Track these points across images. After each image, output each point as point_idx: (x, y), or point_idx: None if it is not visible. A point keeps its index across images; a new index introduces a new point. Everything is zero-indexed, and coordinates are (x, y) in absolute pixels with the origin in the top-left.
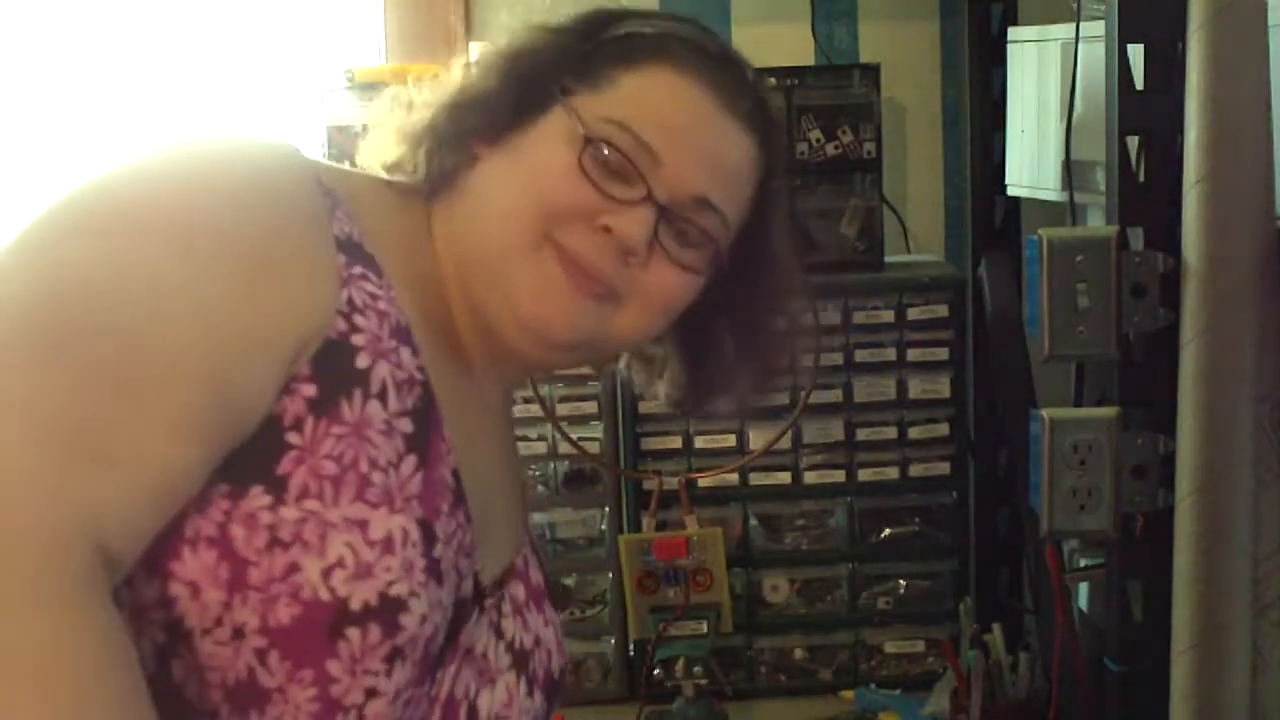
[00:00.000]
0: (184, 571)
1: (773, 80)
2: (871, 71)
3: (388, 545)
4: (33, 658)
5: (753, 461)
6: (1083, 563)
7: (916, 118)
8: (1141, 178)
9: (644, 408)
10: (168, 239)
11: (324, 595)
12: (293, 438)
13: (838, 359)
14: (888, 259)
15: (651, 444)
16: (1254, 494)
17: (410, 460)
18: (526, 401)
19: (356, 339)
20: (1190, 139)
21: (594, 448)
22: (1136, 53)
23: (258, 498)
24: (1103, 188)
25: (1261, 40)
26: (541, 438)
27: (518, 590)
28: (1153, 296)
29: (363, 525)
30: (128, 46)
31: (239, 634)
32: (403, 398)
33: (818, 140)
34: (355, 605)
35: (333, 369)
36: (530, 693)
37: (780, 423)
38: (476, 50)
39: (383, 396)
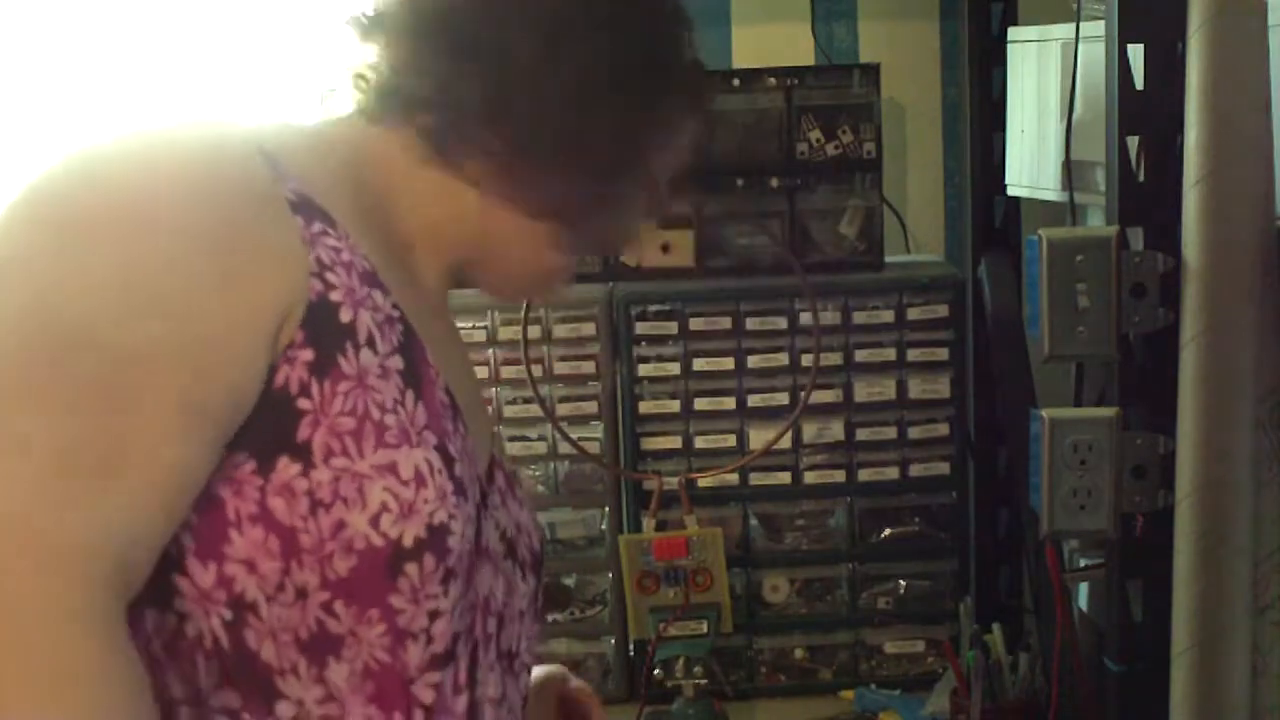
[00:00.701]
0: (236, 552)
1: (773, 80)
2: (871, 71)
3: (420, 480)
4: (55, 678)
5: (753, 461)
6: (1083, 563)
7: (916, 118)
8: (1141, 178)
9: (644, 408)
10: (125, 240)
11: (377, 541)
12: (303, 403)
13: (838, 359)
14: (888, 259)
15: (651, 444)
16: (1254, 494)
17: (410, 395)
18: (526, 402)
19: (334, 295)
20: (1190, 139)
21: (594, 448)
22: (1136, 53)
23: (287, 468)
24: (1103, 188)
25: (1261, 40)
26: (541, 438)
27: (499, 479)
28: (1153, 296)
29: (392, 468)
30: (128, 46)
31: (302, 594)
32: (387, 338)
33: (818, 140)
34: (408, 542)
35: (322, 329)
36: (524, 577)
37: (780, 423)
38: None
39: (371, 343)
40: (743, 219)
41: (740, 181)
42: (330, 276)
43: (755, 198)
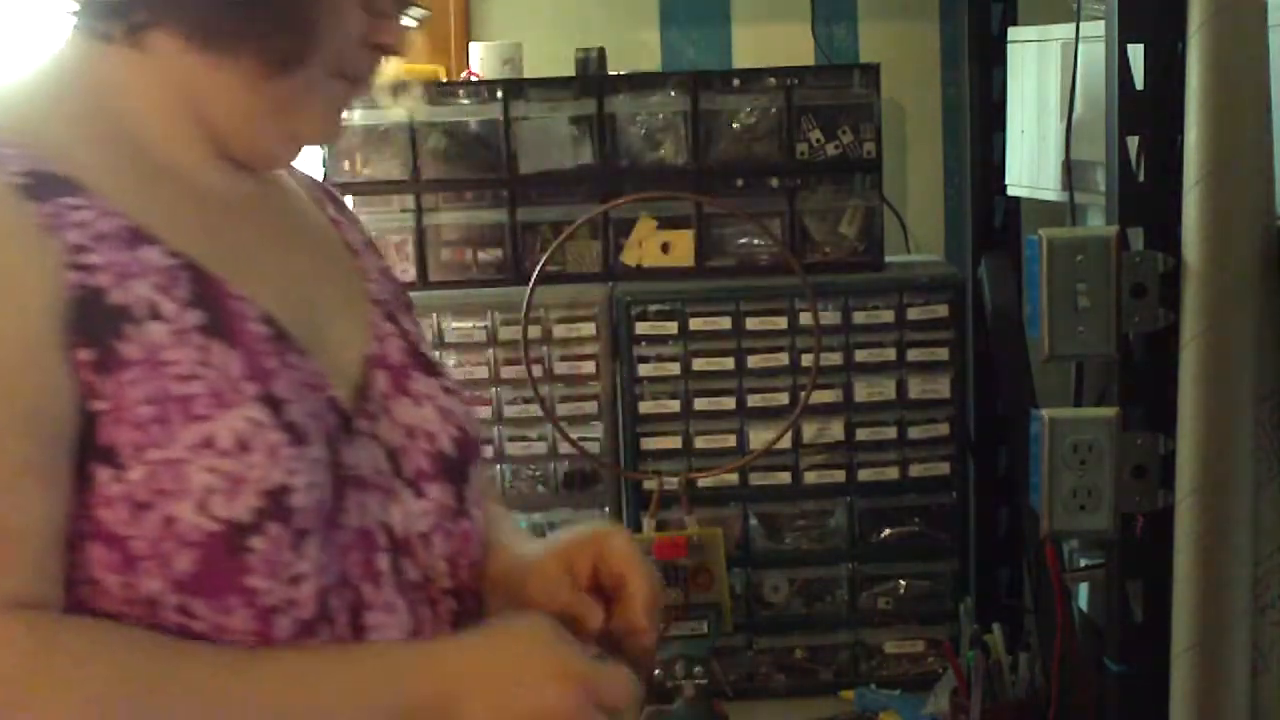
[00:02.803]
0: (80, 573)
1: (773, 80)
2: (871, 71)
3: (242, 445)
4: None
5: (753, 461)
6: (1083, 563)
7: (916, 118)
8: (1141, 178)
9: (644, 408)
10: None
11: (212, 526)
12: (96, 405)
13: (838, 359)
14: (888, 259)
15: (651, 444)
16: (1254, 494)
17: (217, 347)
18: (526, 402)
19: (99, 278)
20: (1190, 139)
21: (594, 448)
22: (1136, 53)
23: (100, 476)
24: (1103, 188)
25: (1261, 40)
26: (541, 438)
27: (380, 381)
28: (1153, 296)
29: (209, 442)
30: None
31: (153, 603)
32: (174, 296)
33: (818, 140)
34: (245, 517)
35: (93, 322)
36: (418, 493)
37: (780, 423)
38: (477, 50)
39: (155, 313)
40: (743, 219)
41: (740, 181)
42: (88, 258)
43: (755, 198)
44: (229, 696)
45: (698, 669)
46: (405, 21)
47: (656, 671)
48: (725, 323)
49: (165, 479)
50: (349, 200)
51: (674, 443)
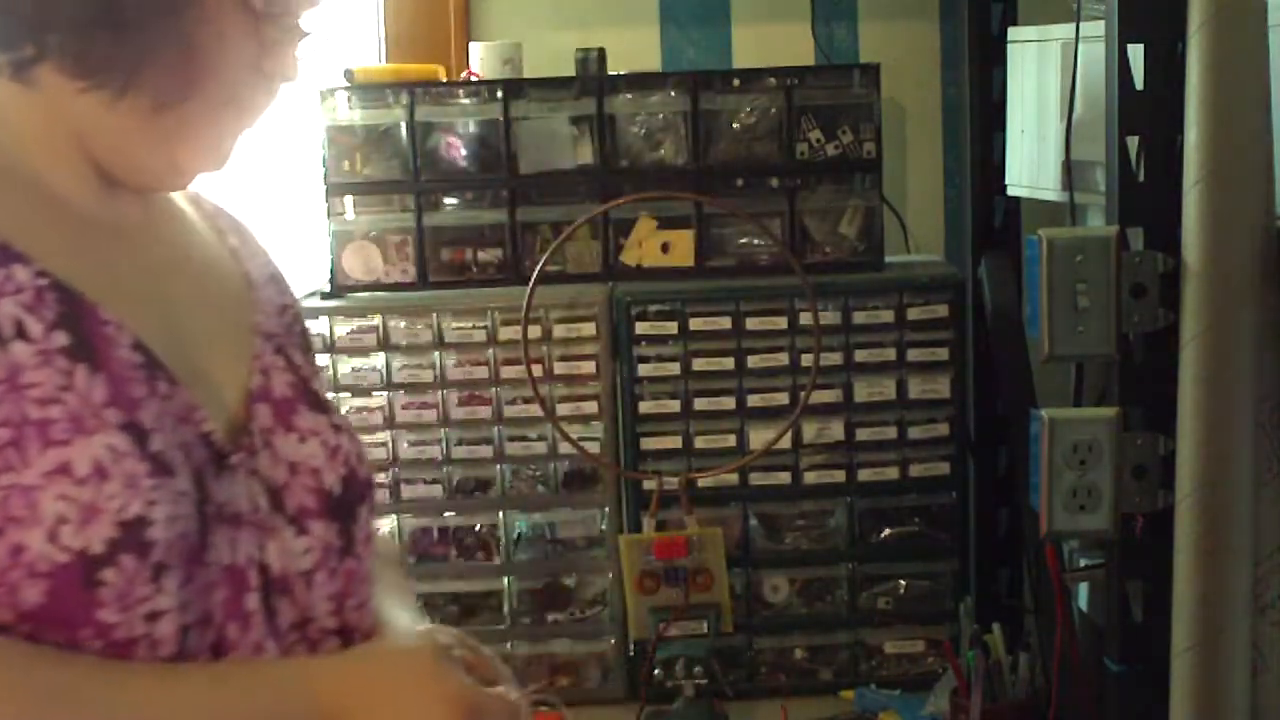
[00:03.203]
0: None
1: (773, 80)
2: (871, 71)
3: (100, 473)
4: None
5: (753, 461)
6: (1083, 563)
7: (916, 118)
8: (1141, 178)
9: (644, 408)
10: None
11: (61, 557)
12: None
13: (838, 359)
14: (888, 259)
15: (651, 444)
16: (1254, 494)
17: (81, 370)
18: (526, 402)
19: None
20: (1190, 139)
21: (594, 448)
22: (1136, 53)
23: None
24: (1103, 188)
25: (1261, 40)
26: (541, 438)
27: (263, 417)
28: (1153, 296)
29: (65, 469)
30: None
31: (2, 631)
32: (41, 315)
33: (818, 140)
34: (97, 549)
35: None
36: (301, 530)
37: (780, 423)
38: (477, 50)
39: (21, 331)
40: (743, 219)
41: (740, 181)
42: None
43: (755, 198)
44: (109, 709)
45: (698, 669)
46: (299, 48)
47: (656, 671)
48: (725, 323)
49: (16, 505)
50: (347, 200)
51: (674, 443)
